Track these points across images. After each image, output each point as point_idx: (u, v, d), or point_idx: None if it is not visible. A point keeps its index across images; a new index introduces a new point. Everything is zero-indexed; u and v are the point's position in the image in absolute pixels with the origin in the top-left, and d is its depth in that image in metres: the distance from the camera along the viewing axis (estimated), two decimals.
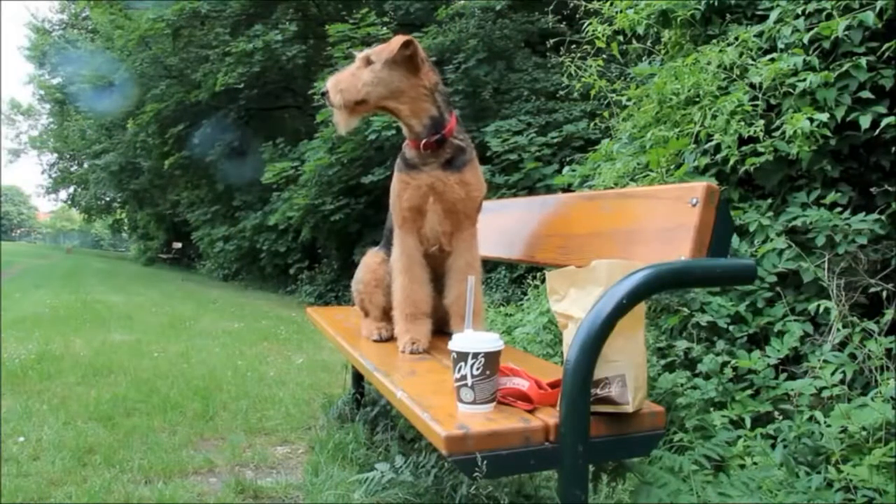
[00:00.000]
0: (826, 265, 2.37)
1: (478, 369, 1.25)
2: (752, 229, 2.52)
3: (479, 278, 1.93)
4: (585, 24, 3.81)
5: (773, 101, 2.63)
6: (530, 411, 1.29)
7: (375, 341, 2.07)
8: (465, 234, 1.94)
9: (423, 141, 1.84)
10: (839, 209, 2.45)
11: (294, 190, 9.60)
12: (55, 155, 31.27)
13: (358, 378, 2.89)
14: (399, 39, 1.79)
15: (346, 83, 1.81)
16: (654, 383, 2.26)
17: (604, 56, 3.92)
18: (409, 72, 1.82)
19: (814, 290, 2.40)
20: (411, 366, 1.72)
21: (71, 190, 31.27)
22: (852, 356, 2.17)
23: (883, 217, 2.40)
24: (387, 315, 2.06)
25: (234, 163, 12.36)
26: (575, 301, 1.31)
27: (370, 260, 2.19)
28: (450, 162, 1.87)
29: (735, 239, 2.49)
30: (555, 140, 6.84)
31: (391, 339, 2.03)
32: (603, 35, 3.65)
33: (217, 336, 5.51)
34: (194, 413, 3.02)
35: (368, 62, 1.82)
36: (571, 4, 4.30)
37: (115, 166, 18.07)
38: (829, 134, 2.45)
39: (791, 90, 2.55)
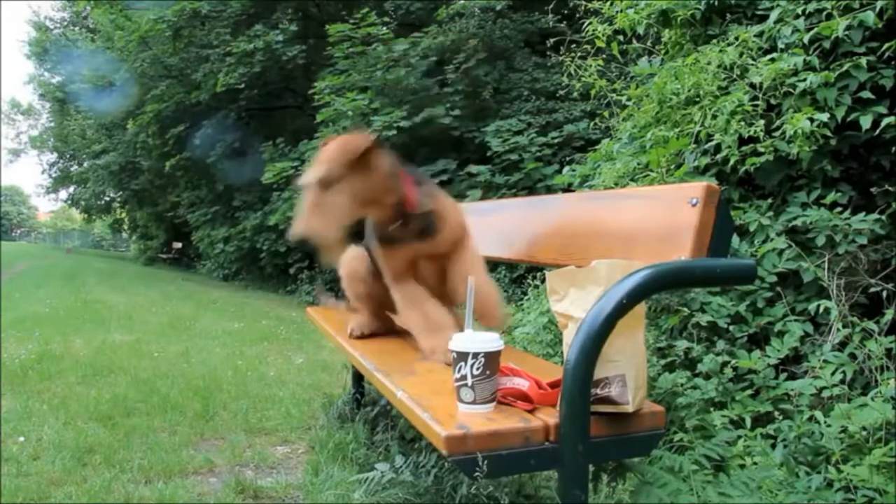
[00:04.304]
0: (826, 265, 2.36)
1: (478, 369, 1.25)
2: (752, 229, 2.52)
3: (482, 274, 1.90)
4: (585, 24, 3.81)
5: (773, 101, 2.63)
6: (530, 411, 1.29)
7: (355, 337, 2.09)
8: (460, 249, 1.92)
9: (392, 227, 1.77)
10: (839, 209, 2.45)
11: (294, 190, 9.59)
12: (55, 155, 31.22)
13: (358, 378, 2.89)
14: (355, 143, 1.62)
15: (319, 224, 1.58)
16: (654, 383, 2.26)
17: (604, 56, 3.92)
18: (369, 169, 1.65)
19: (814, 290, 2.40)
20: (411, 366, 1.72)
21: (71, 190, 31.23)
22: (852, 356, 2.17)
23: (883, 217, 2.40)
24: (372, 306, 2.09)
25: (234, 163, 12.34)
26: (575, 301, 1.31)
27: (347, 256, 2.14)
28: (423, 231, 1.79)
29: (735, 239, 2.49)
30: (555, 140, 6.86)
31: (373, 335, 2.08)
32: (603, 35, 3.65)
33: (217, 336, 5.51)
34: (194, 413, 3.02)
35: (326, 184, 1.60)
36: (571, 4, 4.30)
37: (115, 166, 18.08)
38: (829, 134, 2.45)
39: (791, 90, 2.55)
